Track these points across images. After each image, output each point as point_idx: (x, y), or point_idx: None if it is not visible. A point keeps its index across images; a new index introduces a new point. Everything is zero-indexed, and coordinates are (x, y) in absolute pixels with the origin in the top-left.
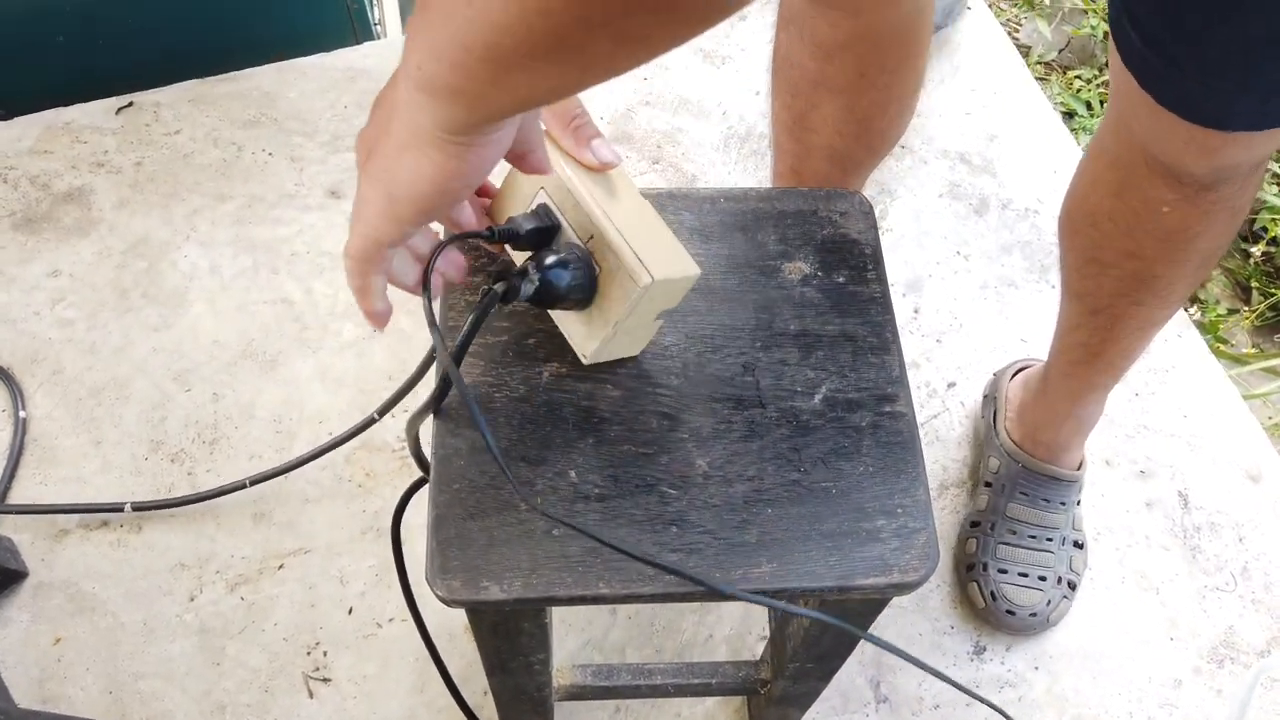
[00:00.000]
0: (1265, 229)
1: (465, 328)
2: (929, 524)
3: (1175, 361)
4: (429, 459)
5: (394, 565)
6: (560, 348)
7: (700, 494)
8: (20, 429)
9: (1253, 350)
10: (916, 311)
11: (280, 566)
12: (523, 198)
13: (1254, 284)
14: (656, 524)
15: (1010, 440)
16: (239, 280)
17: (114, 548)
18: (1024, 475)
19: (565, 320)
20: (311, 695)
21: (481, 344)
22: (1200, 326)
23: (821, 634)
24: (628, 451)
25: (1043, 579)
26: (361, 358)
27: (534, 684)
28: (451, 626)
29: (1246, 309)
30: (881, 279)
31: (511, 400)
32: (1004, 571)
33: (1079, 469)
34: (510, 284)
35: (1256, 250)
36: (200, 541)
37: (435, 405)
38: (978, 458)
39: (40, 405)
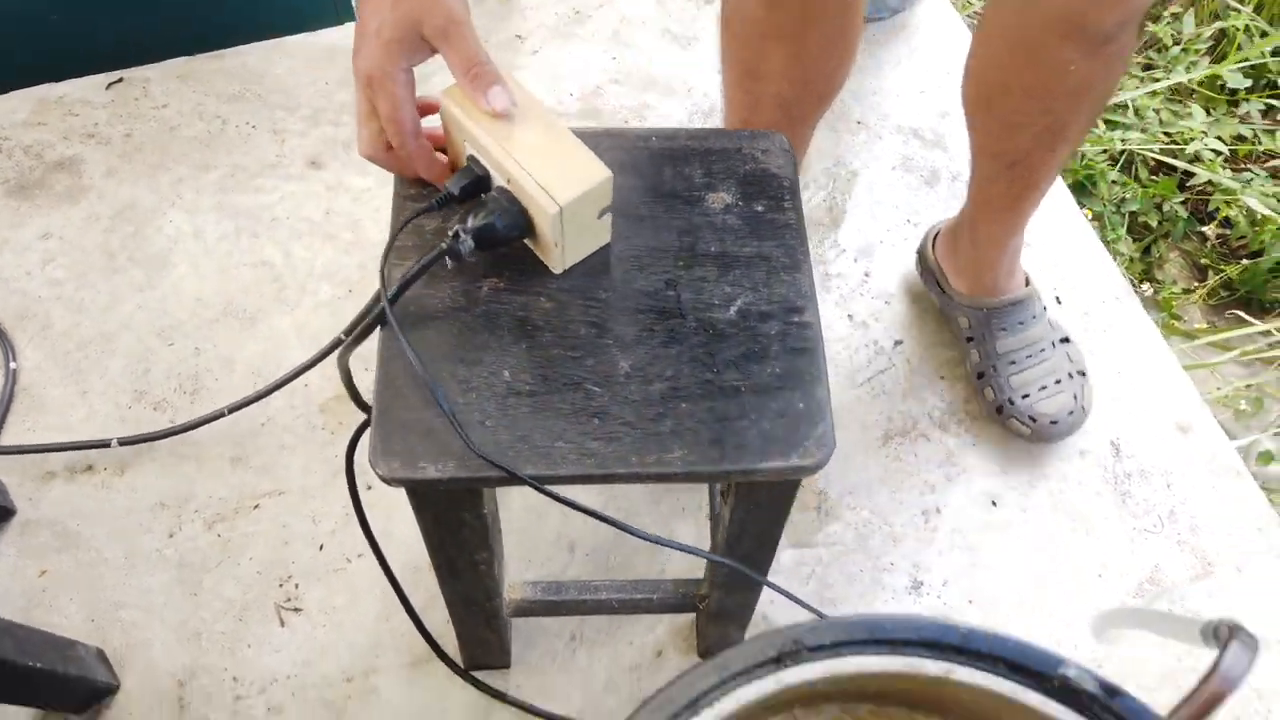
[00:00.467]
0: (1218, 209)
1: (408, 275)
2: (827, 418)
3: (1112, 322)
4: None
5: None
6: (497, 265)
7: (622, 391)
8: (10, 379)
9: (1204, 326)
10: (867, 275)
11: (256, 506)
12: (457, 150)
13: (1207, 261)
14: (581, 416)
15: (965, 294)
16: (221, 244)
17: (98, 489)
18: (993, 314)
19: (529, 243)
20: (283, 624)
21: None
22: (1155, 304)
23: (740, 533)
24: (557, 355)
25: (1058, 381)
26: (336, 315)
27: (483, 591)
28: (416, 560)
29: (1199, 285)
30: (797, 209)
31: (452, 310)
32: (1026, 396)
33: (1028, 285)
34: (450, 248)
35: (1210, 230)
36: (180, 483)
37: (363, 337)
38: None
39: (30, 358)
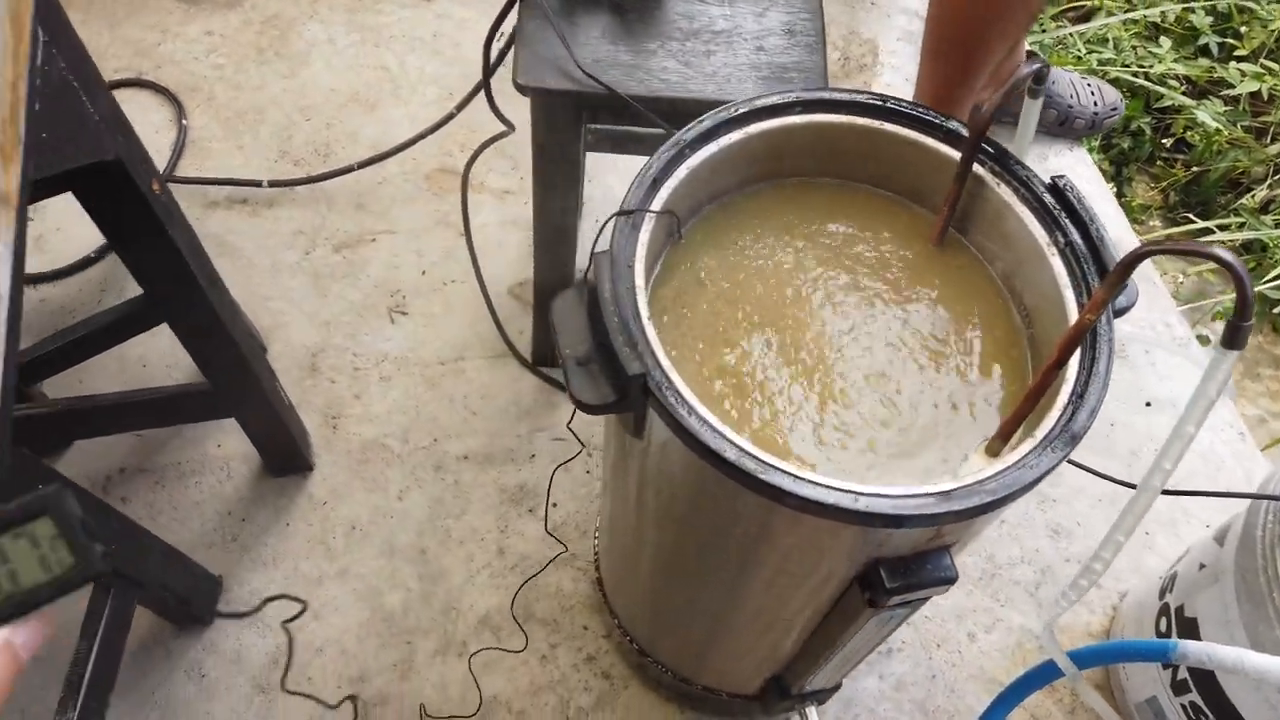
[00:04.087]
0: (1178, 131)
1: None
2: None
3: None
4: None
5: (463, 246)
6: None
7: (688, 45)
8: (182, 133)
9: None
10: None
11: (373, 240)
12: None
13: (1164, 176)
14: (659, 57)
15: None
16: (349, 50)
17: (250, 216)
18: None
19: None
20: (393, 321)
21: None
22: (1123, 210)
23: None
24: (639, 28)
25: None
26: (440, 109)
27: (566, 246)
28: (498, 290)
29: (1161, 201)
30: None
31: None
32: None
33: None
34: None
35: (1167, 142)
36: (314, 218)
37: (505, 14)
38: None
39: (197, 119)
